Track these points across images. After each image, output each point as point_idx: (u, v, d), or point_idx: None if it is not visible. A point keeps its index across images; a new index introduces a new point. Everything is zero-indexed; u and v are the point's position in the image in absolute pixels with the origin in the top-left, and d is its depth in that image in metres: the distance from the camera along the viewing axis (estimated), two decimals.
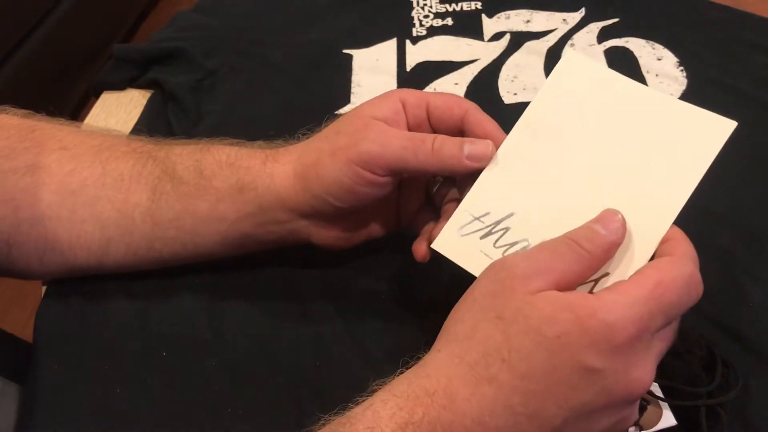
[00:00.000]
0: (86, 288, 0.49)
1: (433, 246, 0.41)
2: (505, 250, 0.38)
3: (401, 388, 0.33)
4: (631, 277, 0.33)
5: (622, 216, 0.35)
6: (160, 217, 0.44)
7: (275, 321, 0.47)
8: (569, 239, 0.34)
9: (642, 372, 0.31)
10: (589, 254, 0.33)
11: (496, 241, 0.39)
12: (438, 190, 0.45)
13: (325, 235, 0.45)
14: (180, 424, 0.42)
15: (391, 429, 0.31)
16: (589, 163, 0.39)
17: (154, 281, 0.48)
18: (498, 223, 0.39)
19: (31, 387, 0.45)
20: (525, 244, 0.38)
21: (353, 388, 0.40)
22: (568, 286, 0.33)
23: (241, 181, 0.43)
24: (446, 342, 0.34)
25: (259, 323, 0.47)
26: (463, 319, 0.34)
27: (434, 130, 0.43)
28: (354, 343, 0.45)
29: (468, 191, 0.40)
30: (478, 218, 0.40)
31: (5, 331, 0.53)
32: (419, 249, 0.43)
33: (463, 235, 0.40)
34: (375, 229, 0.47)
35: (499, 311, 0.32)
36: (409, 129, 0.42)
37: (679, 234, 0.35)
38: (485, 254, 0.39)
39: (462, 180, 0.42)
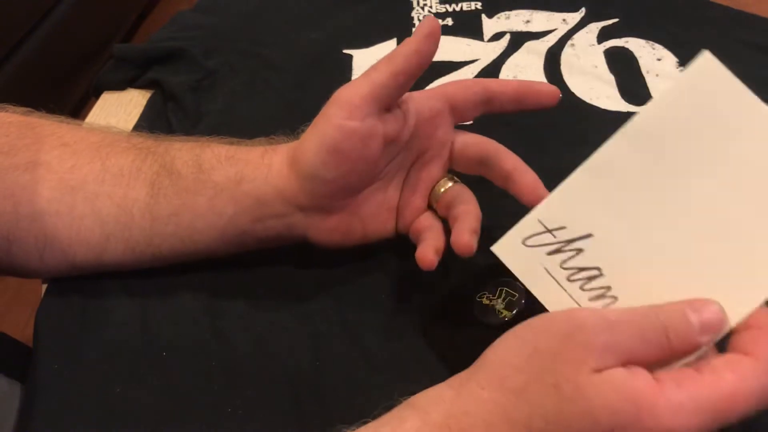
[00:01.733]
0: (86, 287, 0.49)
1: (492, 248, 0.37)
2: (572, 275, 0.35)
3: (436, 417, 0.32)
4: (704, 373, 0.29)
5: (723, 313, 0.31)
6: (159, 212, 0.45)
7: (275, 321, 0.47)
8: (662, 325, 0.30)
9: None
10: (671, 349, 0.30)
11: (564, 261, 0.35)
12: (446, 193, 0.45)
13: (321, 229, 0.45)
14: (180, 424, 0.42)
15: None
16: (697, 201, 0.33)
17: (155, 281, 0.48)
18: (571, 241, 0.35)
19: (31, 387, 0.45)
20: (595, 273, 0.34)
21: (353, 388, 0.40)
22: (634, 363, 0.30)
23: (240, 174, 0.43)
24: (492, 383, 0.32)
25: (259, 323, 0.47)
26: (518, 367, 0.31)
27: (453, 116, 0.45)
28: (354, 343, 0.45)
29: (545, 198, 0.36)
30: (550, 231, 0.35)
31: (6, 334, 0.53)
32: (426, 256, 0.41)
33: (528, 246, 0.36)
34: (372, 230, 0.46)
35: (559, 380, 0.30)
36: (421, 119, 0.44)
37: (765, 318, 0.31)
38: (548, 272, 0.35)
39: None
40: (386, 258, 0.50)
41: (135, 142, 0.47)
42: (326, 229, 0.45)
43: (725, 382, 0.29)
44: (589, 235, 0.34)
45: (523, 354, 0.31)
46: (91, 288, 0.49)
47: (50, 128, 0.47)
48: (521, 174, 0.43)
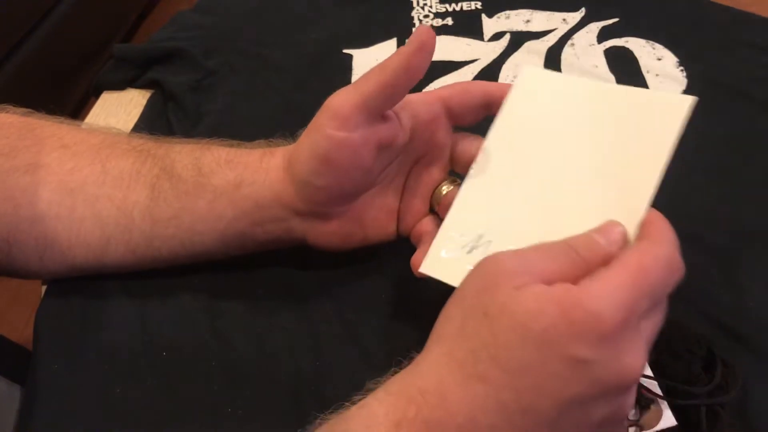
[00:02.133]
0: (86, 288, 0.49)
1: (420, 270, 0.41)
2: None
3: (395, 387, 0.33)
4: (612, 263, 0.32)
5: (624, 228, 0.35)
6: (159, 215, 0.44)
7: (275, 321, 0.47)
8: (566, 244, 0.34)
9: (632, 358, 0.31)
10: (584, 262, 0.33)
11: (482, 254, 0.37)
12: (448, 195, 0.45)
13: (319, 233, 0.45)
14: (180, 424, 0.42)
15: (386, 427, 0.31)
16: (561, 166, 0.39)
17: (155, 281, 0.48)
18: (480, 236, 0.39)
19: (31, 387, 0.45)
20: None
21: (353, 388, 0.40)
22: (554, 281, 0.33)
23: (239, 177, 0.43)
24: (437, 340, 0.34)
25: (259, 323, 0.47)
26: (452, 316, 0.34)
27: (452, 119, 0.45)
28: (354, 343, 0.45)
29: (447, 214, 0.41)
30: (460, 236, 0.40)
31: (5, 336, 0.53)
32: (418, 262, 0.42)
33: (448, 255, 0.40)
34: (372, 233, 0.46)
35: (486, 307, 0.32)
36: (418, 121, 0.44)
37: (657, 217, 0.35)
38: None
39: None
40: (386, 258, 0.49)
41: (135, 144, 0.47)
42: (325, 233, 0.45)
43: (631, 261, 0.32)
44: (492, 227, 0.40)
45: (454, 304, 0.34)
46: (90, 289, 0.49)
47: (50, 129, 0.47)
48: None
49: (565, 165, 0.39)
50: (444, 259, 0.40)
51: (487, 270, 0.33)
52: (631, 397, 0.32)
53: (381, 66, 0.40)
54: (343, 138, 0.40)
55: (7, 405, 0.46)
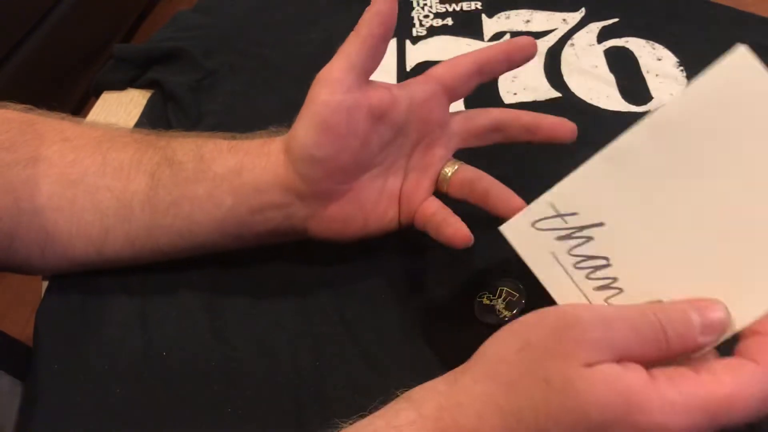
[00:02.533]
0: (86, 287, 0.49)
1: (501, 228, 0.36)
2: (579, 262, 0.34)
3: (429, 410, 0.32)
4: (701, 373, 0.29)
5: (725, 317, 0.30)
6: (158, 203, 0.45)
7: (275, 321, 0.47)
8: (657, 321, 0.30)
9: None
10: (668, 349, 0.30)
11: (572, 248, 0.34)
12: (458, 173, 0.45)
13: (320, 218, 0.44)
14: (180, 424, 0.42)
15: None
16: (714, 199, 0.32)
17: (155, 280, 0.48)
18: (582, 228, 0.34)
19: (31, 387, 0.45)
20: (603, 263, 0.34)
21: (353, 388, 0.40)
22: (629, 360, 0.30)
23: (240, 163, 0.44)
24: (485, 377, 0.32)
25: (259, 323, 0.47)
26: (510, 361, 0.31)
27: (449, 96, 0.46)
28: (354, 343, 0.45)
29: (559, 182, 0.35)
30: (561, 216, 0.34)
31: (5, 332, 0.53)
32: (461, 231, 0.41)
33: (538, 229, 0.35)
34: (373, 219, 0.45)
35: (549, 374, 0.29)
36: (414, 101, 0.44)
37: None
38: (555, 257, 0.35)
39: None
40: (387, 258, 0.49)
41: (136, 137, 0.47)
42: (326, 217, 0.44)
43: (722, 384, 0.28)
44: (600, 224, 0.34)
45: (516, 348, 0.31)
46: (91, 288, 0.49)
47: (51, 124, 0.47)
48: (543, 120, 0.45)
49: (719, 195, 0.32)
50: (529, 230, 0.35)
51: (564, 329, 0.30)
52: None
53: (355, 28, 0.42)
54: (337, 101, 0.40)
55: (8, 401, 0.46)
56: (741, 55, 0.32)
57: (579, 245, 0.34)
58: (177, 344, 0.46)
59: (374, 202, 0.45)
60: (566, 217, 0.34)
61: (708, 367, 0.29)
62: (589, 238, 0.34)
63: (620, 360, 0.29)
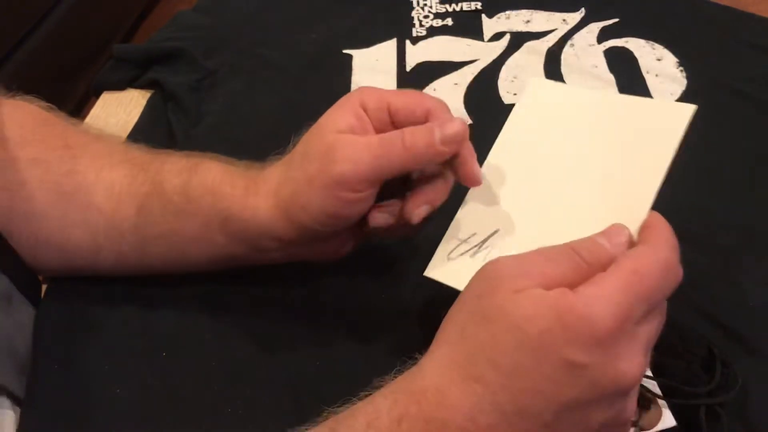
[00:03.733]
0: (86, 288, 0.49)
1: (425, 274, 0.41)
2: None
3: (399, 386, 0.34)
4: (609, 268, 0.32)
5: (630, 232, 0.35)
6: (148, 233, 0.44)
7: (275, 321, 0.47)
8: (569, 247, 0.33)
9: (629, 362, 0.30)
10: (587, 265, 0.32)
11: (485, 257, 0.39)
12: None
13: (320, 253, 0.45)
14: (180, 424, 0.42)
15: (388, 422, 0.32)
16: (565, 173, 0.40)
17: (155, 281, 0.48)
18: (484, 241, 0.40)
19: (31, 387, 0.45)
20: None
21: (354, 388, 0.40)
22: (555, 285, 0.32)
23: (226, 211, 0.43)
24: (439, 342, 0.34)
25: (259, 323, 0.47)
26: (454, 320, 0.34)
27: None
28: (354, 343, 0.45)
29: (454, 218, 0.42)
30: (464, 240, 0.41)
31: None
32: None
33: (453, 259, 0.40)
34: (370, 229, 0.45)
35: (485, 311, 0.32)
36: (375, 131, 0.41)
37: (658, 220, 0.35)
38: (474, 271, 0.38)
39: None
40: (387, 258, 0.50)
41: (131, 156, 0.47)
42: (326, 252, 0.45)
43: (625, 265, 0.32)
44: (496, 231, 0.40)
45: (457, 309, 0.34)
46: (91, 289, 0.49)
47: (60, 128, 0.47)
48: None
49: (569, 172, 0.40)
50: (447, 263, 0.41)
51: (488, 274, 0.33)
52: (632, 403, 0.32)
53: (409, 149, 0.38)
54: (355, 198, 0.39)
55: (29, 332, 0.46)
56: (535, 80, 0.45)
57: (488, 253, 0.40)
58: (177, 344, 0.46)
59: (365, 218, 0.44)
60: (468, 240, 0.41)
61: (612, 264, 0.32)
62: (493, 245, 0.40)
63: (546, 287, 0.32)
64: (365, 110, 0.41)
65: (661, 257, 0.32)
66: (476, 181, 0.41)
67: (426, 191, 0.41)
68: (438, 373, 0.33)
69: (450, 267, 0.40)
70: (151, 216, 0.44)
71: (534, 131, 0.43)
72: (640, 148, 0.38)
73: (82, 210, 0.45)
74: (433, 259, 0.41)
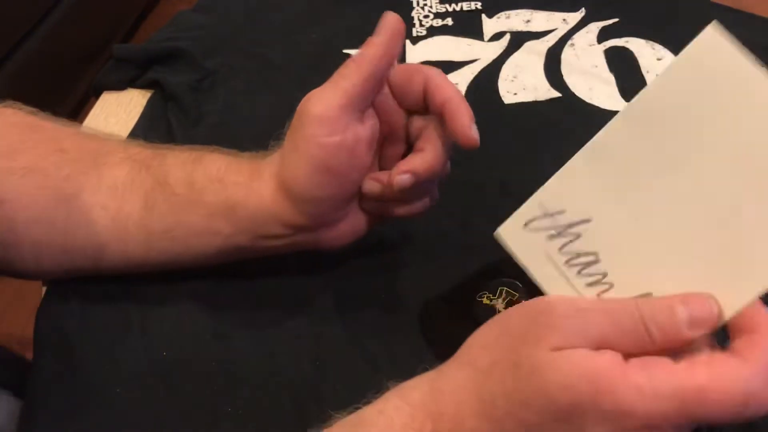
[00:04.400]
0: (86, 288, 0.49)
1: (496, 234, 0.36)
2: (570, 260, 0.34)
3: (415, 398, 0.33)
4: (679, 363, 0.28)
5: (719, 310, 0.29)
6: (153, 227, 0.44)
7: (275, 321, 0.47)
8: (639, 315, 0.29)
9: None
10: (652, 342, 0.29)
11: (563, 246, 0.34)
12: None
13: (329, 238, 0.44)
14: (180, 424, 0.42)
15: None
16: (698, 187, 0.31)
17: (155, 281, 0.48)
18: (571, 226, 0.34)
19: (31, 387, 0.45)
20: (592, 259, 0.34)
21: (353, 389, 0.40)
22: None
23: (231, 199, 0.43)
24: (467, 364, 0.33)
25: (259, 323, 0.47)
26: (488, 348, 0.32)
27: (399, 104, 0.42)
28: (354, 343, 0.45)
29: (547, 181, 0.35)
30: (551, 215, 0.35)
31: (5, 347, 0.53)
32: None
33: (530, 230, 0.35)
34: (370, 214, 0.45)
35: (519, 359, 0.30)
36: (374, 106, 0.41)
37: (764, 321, 0.29)
38: (548, 256, 0.35)
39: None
40: (387, 258, 0.50)
41: (131, 153, 0.46)
42: (335, 237, 0.44)
43: (696, 374, 0.27)
44: (587, 220, 0.34)
45: (495, 335, 0.32)
46: (91, 288, 0.49)
47: (51, 132, 0.47)
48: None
49: (702, 190, 0.31)
50: (522, 231, 0.35)
51: (538, 316, 0.31)
52: None
53: (356, 61, 0.39)
54: (337, 142, 0.39)
55: (9, 421, 0.45)
56: (710, 36, 0.32)
57: (569, 242, 0.34)
58: (177, 344, 0.46)
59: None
60: (555, 216, 0.35)
61: (689, 358, 0.28)
62: (578, 235, 0.34)
63: (596, 349, 0.29)
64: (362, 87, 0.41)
65: (743, 388, 0.27)
66: (472, 140, 0.38)
67: (412, 160, 0.41)
68: (457, 399, 0.32)
69: (523, 237, 0.35)
70: (156, 210, 0.44)
71: (686, 109, 0.32)
72: None
73: (86, 211, 0.44)
74: (509, 219, 0.36)
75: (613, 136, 0.33)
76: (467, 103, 0.39)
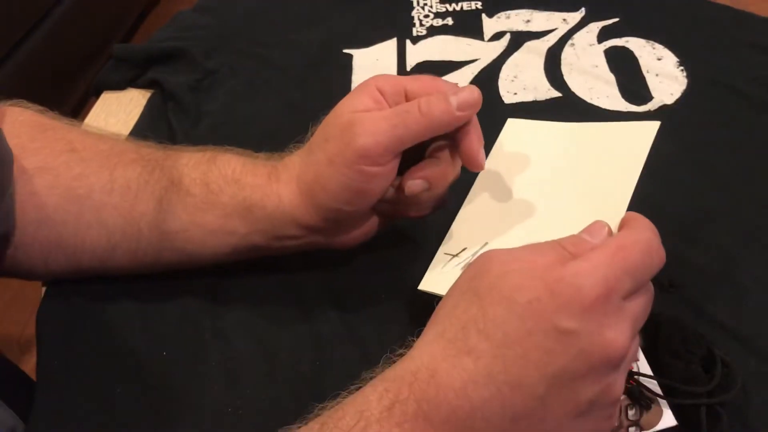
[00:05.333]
0: (87, 288, 0.49)
1: (420, 287, 0.42)
2: None
3: (389, 374, 0.34)
4: (595, 248, 0.34)
5: (609, 228, 0.36)
6: (167, 228, 0.44)
7: (275, 321, 0.47)
8: (555, 241, 0.34)
9: (615, 333, 0.31)
10: (571, 256, 0.33)
11: None
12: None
13: (344, 240, 0.45)
14: (180, 424, 0.42)
15: (379, 410, 0.32)
16: (546, 192, 0.44)
17: (155, 281, 0.48)
18: (475, 254, 0.42)
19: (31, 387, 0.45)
20: None
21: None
22: None
23: (248, 200, 0.43)
24: (430, 325, 0.35)
25: (259, 323, 0.47)
26: (446, 303, 0.35)
27: None
28: (354, 343, 0.45)
29: (446, 237, 0.44)
30: (456, 255, 0.43)
31: (10, 361, 0.53)
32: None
33: (445, 271, 0.42)
34: (392, 213, 0.46)
35: (476, 288, 0.33)
36: None
37: (635, 214, 0.37)
38: None
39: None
40: (387, 258, 0.50)
41: (143, 153, 0.46)
42: (348, 238, 0.45)
43: (611, 242, 0.33)
44: (485, 244, 0.43)
45: (449, 294, 0.35)
46: (91, 289, 0.49)
47: (61, 132, 0.47)
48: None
49: (550, 191, 0.43)
50: (440, 276, 0.42)
51: (480, 260, 0.35)
52: (620, 379, 0.32)
53: (424, 112, 0.40)
54: (377, 172, 0.40)
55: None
56: (511, 121, 0.49)
57: None
58: (177, 344, 0.46)
59: (387, 201, 0.45)
60: (460, 254, 0.43)
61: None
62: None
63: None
64: (382, 94, 0.42)
65: (643, 237, 0.34)
66: (478, 164, 0.42)
67: (425, 167, 0.42)
68: (428, 353, 0.33)
69: (443, 279, 0.42)
70: (171, 211, 0.44)
71: (514, 160, 0.46)
72: (613, 164, 0.42)
73: (97, 211, 0.44)
74: (426, 274, 0.43)
75: (479, 191, 0.46)
76: (479, 127, 0.42)
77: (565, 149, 0.45)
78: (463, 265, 0.42)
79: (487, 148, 0.48)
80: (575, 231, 0.36)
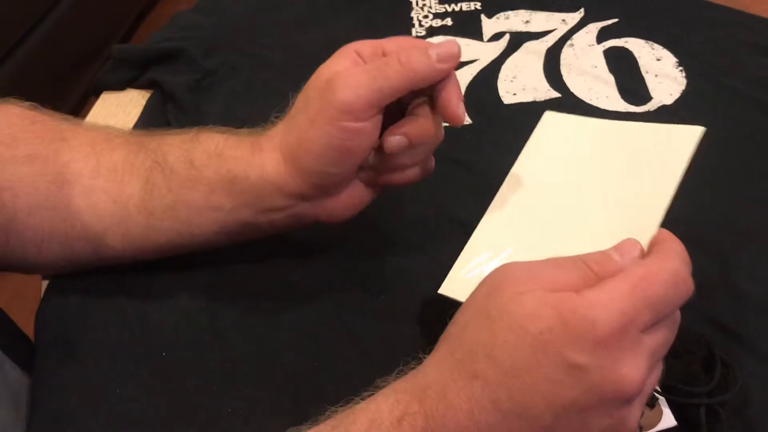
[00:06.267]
0: (86, 288, 0.49)
1: (440, 291, 0.42)
2: None
3: (401, 385, 0.34)
4: (617, 275, 0.32)
5: (641, 247, 0.34)
6: (154, 207, 0.45)
7: (275, 321, 0.47)
8: (579, 258, 0.33)
9: (631, 368, 0.30)
10: (594, 276, 0.32)
11: None
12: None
13: (331, 209, 0.45)
14: (180, 424, 0.42)
15: (389, 421, 0.32)
16: (579, 195, 0.42)
17: (154, 281, 0.48)
18: (499, 260, 0.41)
19: (32, 387, 0.45)
20: None
21: (353, 388, 0.40)
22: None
23: (232, 172, 0.43)
24: (442, 342, 0.35)
25: (259, 323, 0.47)
26: (458, 321, 0.34)
27: None
28: (354, 343, 0.45)
29: (470, 239, 0.43)
30: (481, 257, 0.42)
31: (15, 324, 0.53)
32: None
33: (468, 276, 0.42)
34: (371, 184, 0.45)
35: (488, 310, 0.32)
36: None
37: (668, 235, 0.35)
38: None
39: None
40: (386, 258, 0.50)
41: (129, 138, 0.47)
42: (335, 209, 0.45)
43: (633, 272, 0.32)
44: (510, 250, 0.42)
45: (462, 310, 0.35)
46: (90, 288, 0.49)
47: (51, 123, 0.47)
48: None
49: (582, 195, 0.42)
50: (463, 280, 0.41)
51: (496, 276, 0.34)
52: (635, 413, 0.32)
53: (404, 65, 0.39)
54: (359, 128, 0.40)
55: (21, 396, 0.46)
56: (548, 114, 0.47)
57: None
58: (177, 344, 0.46)
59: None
60: (483, 258, 0.42)
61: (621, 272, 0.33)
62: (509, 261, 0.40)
63: (551, 291, 0.32)
64: (360, 56, 0.42)
65: (670, 267, 0.32)
66: (458, 117, 0.41)
67: (405, 123, 0.42)
68: (439, 371, 0.33)
69: (465, 285, 0.40)
70: (156, 189, 0.44)
71: (548, 159, 0.45)
72: (651, 169, 0.40)
73: (86, 195, 0.45)
74: (448, 277, 0.42)
75: (506, 193, 0.45)
76: (458, 83, 0.41)
77: (601, 150, 0.44)
78: (485, 271, 0.40)
79: (487, 146, 0.49)
80: (603, 243, 0.35)
